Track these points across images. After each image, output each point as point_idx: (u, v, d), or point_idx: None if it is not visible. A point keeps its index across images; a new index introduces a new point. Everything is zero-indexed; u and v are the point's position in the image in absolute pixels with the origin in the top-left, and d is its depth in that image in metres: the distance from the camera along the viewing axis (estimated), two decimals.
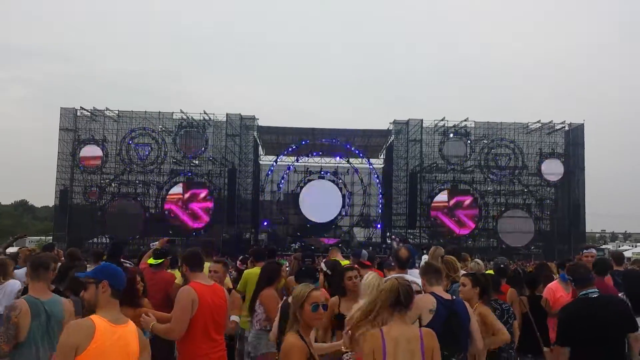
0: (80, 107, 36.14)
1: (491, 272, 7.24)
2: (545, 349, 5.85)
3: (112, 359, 2.80)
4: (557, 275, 6.75)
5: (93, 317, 2.84)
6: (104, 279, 2.94)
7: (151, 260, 6.17)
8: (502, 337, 4.68)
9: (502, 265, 7.00)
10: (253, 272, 6.93)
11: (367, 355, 3.19)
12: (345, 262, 7.51)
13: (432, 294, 4.27)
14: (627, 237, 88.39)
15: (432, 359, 3.25)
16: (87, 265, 6.91)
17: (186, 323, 4.07)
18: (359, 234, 43.89)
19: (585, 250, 6.85)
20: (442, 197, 37.05)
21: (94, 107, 36.20)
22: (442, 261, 5.78)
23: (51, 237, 32.59)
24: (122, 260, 7.15)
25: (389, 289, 3.29)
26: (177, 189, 36.47)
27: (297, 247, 32.12)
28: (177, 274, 6.37)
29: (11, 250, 8.83)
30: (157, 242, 6.80)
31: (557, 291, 6.19)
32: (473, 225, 36.79)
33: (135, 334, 2.98)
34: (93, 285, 2.98)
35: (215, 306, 4.25)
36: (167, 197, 36.25)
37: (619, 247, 51.98)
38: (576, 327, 4.17)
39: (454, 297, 4.38)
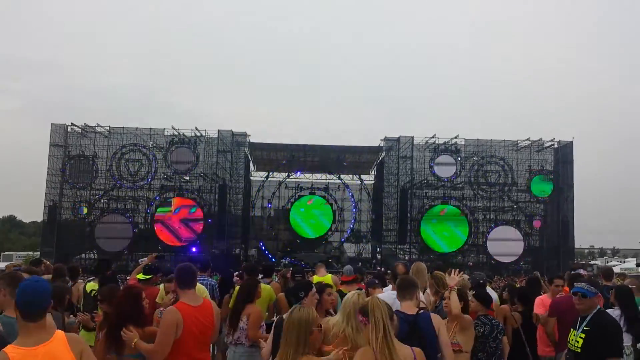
0: (72, 123, 36.10)
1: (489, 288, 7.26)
2: None
3: None
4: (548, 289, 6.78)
5: (7, 348, 2.66)
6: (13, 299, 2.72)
7: (140, 276, 6.17)
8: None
9: (480, 281, 6.99)
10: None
11: None
12: (326, 278, 7.53)
13: (396, 311, 4.28)
14: (615, 252, 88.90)
15: None
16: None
17: (169, 346, 3.98)
18: (349, 249, 43.88)
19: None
20: None
21: (84, 124, 36.15)
22: (432, 276, 5.79)
23: (39, 253, 32.23)
24: (111, 274, 7.14)
25: (380, 307, 3.28)
26: (167, 207, 36.29)
27: (286, 262, 32.05)
28: (161, 289, 6.36)
29: None
30: (145, 258, 6.77)
31: (547, 303, 6.24)
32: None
33: (64, 345, 2.75)
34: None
35: (202, 326, 4.17)
36: (157, 213, 36.05)
37: (608, 262, 52.23)
38: None
39: (420, 312, 4.35)
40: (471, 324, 4.93)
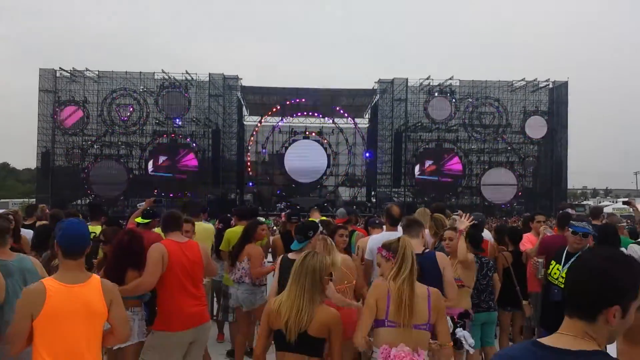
0: (60, 67, 35.33)
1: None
2: (524, 302, 6.02)
3: (70, 320, 2.72)
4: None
5: (45, 280, 2.77)
6: (54, 239, 2.85)
7: (139, 220, 6.17)
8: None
9: (476, 221, 7.06)
10: (235, 230, 7.04)
11: (370, 305, 3.22)
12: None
13: None
14: (608, 193, 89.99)
15: (439, 318, 3.29)
16: None
17: (155, 276, 4.14)
18: (344, 193, 44.16)
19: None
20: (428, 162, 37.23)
21: (73, 68, 35.38)
22: (431, 219, 5.84)
23: (34, 200, 32.27)
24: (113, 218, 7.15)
25: (411, 251, 3.34)
26: (162, 158, 36.08)
27: (282, 207, 32.26)
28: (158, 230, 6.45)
29: None
30: (143, 203, 6.76)
31: (533, 241, 6.32)
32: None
33: (97, 290, 2.85)
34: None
35: (189, 261, 4.29)
36: (152, 161, 35.93)
37: (600, 202, 52.87)
38: None
39: (426, 250, 4.42)
40: (473, 262, 5.05)
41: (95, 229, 6.37)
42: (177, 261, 4.22)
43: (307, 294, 3.08)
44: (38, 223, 7.36)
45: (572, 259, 4.61)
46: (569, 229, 4.78)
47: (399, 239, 3.46)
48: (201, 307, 4.39)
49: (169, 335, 4.18)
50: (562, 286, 4.58)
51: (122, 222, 7.17)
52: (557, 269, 4.78)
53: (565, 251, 4.79)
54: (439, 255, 4.43)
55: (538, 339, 1.63)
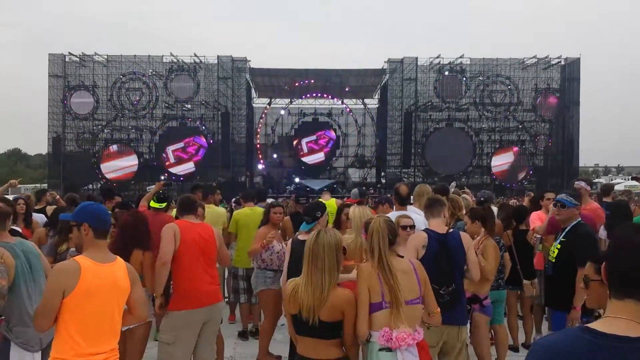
0: (69, 52, 35.38)
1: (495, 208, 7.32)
2: (525, 281, 6.02)
3: (101, 297, 2.81)
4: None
5: (78, 258, 2.83)
6: (84, 221, 2.92)
7: (154, 204, 6.22)
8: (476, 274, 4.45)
9: (482, 199, 7.03)
10: (242, 212, 7.13)
11: (364, 293, 3.11)
12: (330, 202, 7.76)
13: (426, 230, 4.37)
14: (619, 170, 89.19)
15: (425, 288, 3.28)
16: None
17: (169, 253, 4.27)
18: (354, 174, 44.15)
19: (576, 182, 6.79)
20: None
21: (82, 53, 35.40)
22: (448, 199, 5.85)
23: (46, 185, 32.57)
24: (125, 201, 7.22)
25: (379, 230, 3.21)
26: (177, 145, 36.02)
27: (292, 189, 32.36)
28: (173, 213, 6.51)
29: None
30: (154, 186, 6.82)
31: (543, 218, 6.29)
32: None
33: (123, 270, 2.98)
34: (75, 228, 2.99)
35: (202, 240, 4.41)
36: (167, 147, 35.96)
37: (612, 180, 52.44)
38: None
39: (450, 230, 4.43)
40: (496, 247, 5.08)
41: None
42: (190, 238, 4.35)
43: (327, 276, 2.98)
44: (48, 208, 7.46)
45: (563, 234, 4.65)
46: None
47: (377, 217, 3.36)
48: (215, 286, 4.50)
49: (184, 315, 4.28)
50: (553, 260, 4.63)
51: (133, 205, 7.24)
52: (553, 245, 4.80)
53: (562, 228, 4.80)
54: (464, 235, 4.45)
55: (587, 325, 1.45)
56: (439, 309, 3.39)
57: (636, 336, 1.37)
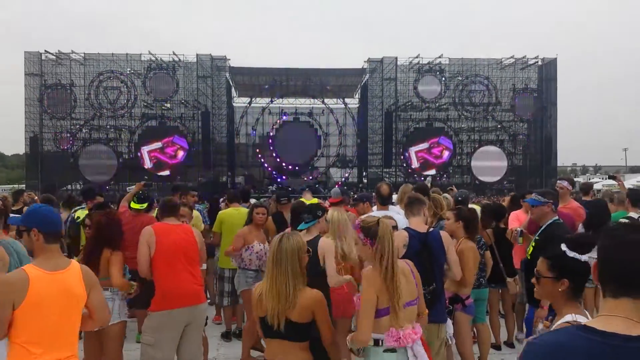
0: (45, 50, 34.76)
1: (476, 206, 7.40)
2: (508, 279, 6.10)
3: (53, 306, 2.71)
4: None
5: (26, 267, 2.73)
6: (33, 225, 2.80)
7: (135, 205, 6.18)
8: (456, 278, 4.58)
9: (459, 198, 7.10)
10: (227, 213, 7.09)
11: (372, 300, 3.04)
12: (312, 202, 7.73)
13: (406, 228, 4.39)
14: (597, 169, 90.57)
15: (420, 290, 3.32)
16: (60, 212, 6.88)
17: (144, 264, 4.38)
18: (336, 174, 44.21)
19: (558, 181, 6.90)
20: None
21: (59, 51, 34.80)
22: (429, 198, 5.88)
23: (24, 185, 32.00)
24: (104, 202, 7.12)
25: (388, 236, 3.13)
26: (154, 145, 35.44)
27: (273, 189, 32.29)
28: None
29: None
30: (133, 187, 6.75)
31: (522, 219, 6.36)
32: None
33: (78, 276, 2.86)
34: (25, 233, 2.85)
35: (182, 239, 4.48)
36: (142, 147, 35.46)
37: (590, 179, 53.30)
38: None
39: (430, 230, 4.45)
40: (475, 250, 5.11)
41: (83, 214, 6.40)
42: (170, 240, 4.40)
43: (292, 280, 2.97)
44: (25, 209, 7.34)
45: (539, 231, 4.79)
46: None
47: (378, 221, 3.22)
48: (197, 287, 4.49)
49: (165, 314, 4.29)
50: (529, 257, 4.75)
51: (112, 206, 7.15)
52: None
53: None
54: (444, 234, 4.48)
55: (586, 324, 1.45)
56: (427, 310, 3.42)
57: (636, 335, 1.36)
